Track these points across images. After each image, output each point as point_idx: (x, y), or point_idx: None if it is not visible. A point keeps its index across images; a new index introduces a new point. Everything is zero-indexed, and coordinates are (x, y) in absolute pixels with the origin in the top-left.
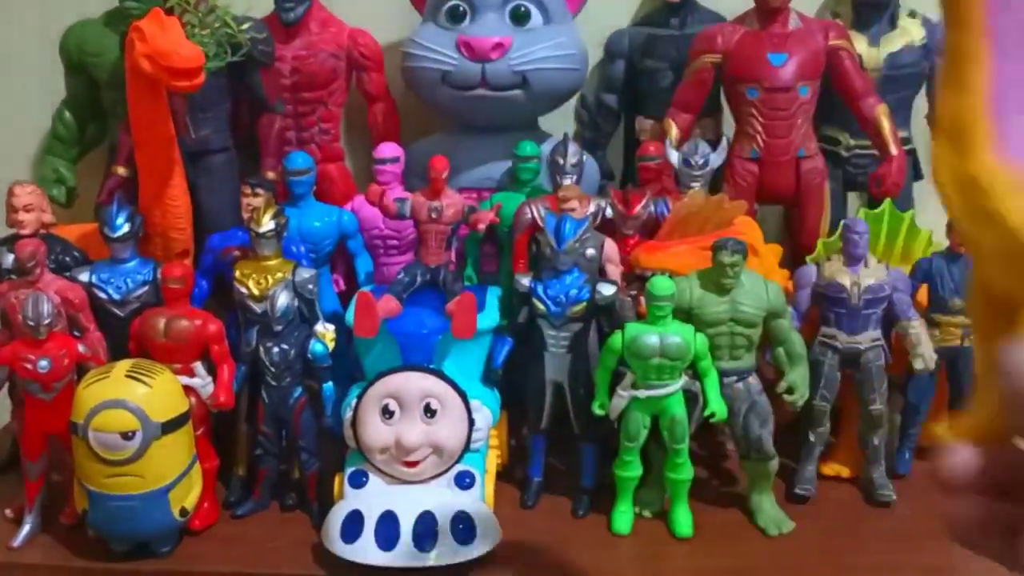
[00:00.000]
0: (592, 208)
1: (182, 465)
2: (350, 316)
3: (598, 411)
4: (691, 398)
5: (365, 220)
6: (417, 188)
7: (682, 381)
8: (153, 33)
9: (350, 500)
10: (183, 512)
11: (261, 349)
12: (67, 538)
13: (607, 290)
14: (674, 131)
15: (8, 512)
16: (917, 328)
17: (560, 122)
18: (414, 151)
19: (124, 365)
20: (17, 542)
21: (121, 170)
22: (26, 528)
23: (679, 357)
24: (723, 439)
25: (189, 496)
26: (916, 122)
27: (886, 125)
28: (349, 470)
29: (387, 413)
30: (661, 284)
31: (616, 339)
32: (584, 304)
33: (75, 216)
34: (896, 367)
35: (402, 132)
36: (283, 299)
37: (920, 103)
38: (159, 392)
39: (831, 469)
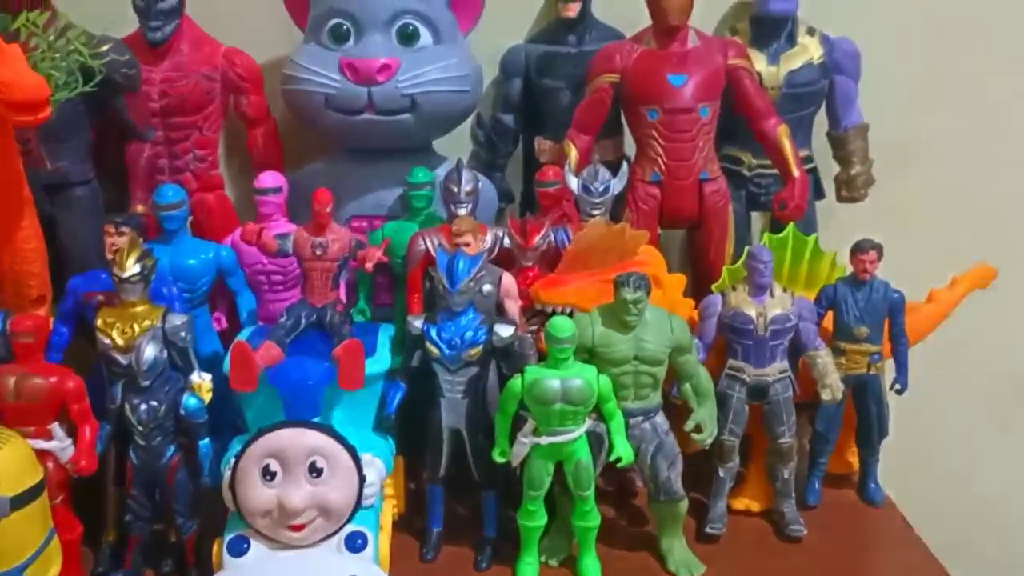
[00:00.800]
0: (489, 240)
1: (37, 541)
2: (227, 366)
3: (499, 458)
4: (596, 440)
5: (246, 255)
6: (305, 218)
7: (586, 425)
8: None
9: (229, 571)
10: None
11: (127, 406)
12: None
13: (505, 331)
14: (573, 153)
15: None
16: (824, 358)
17: (455, 142)
18: (300, 177)
19: None
20: None
21: None
22: None
23: (582, 402)
24: (632, 475)
25: (48, 574)
26: (816, 139)
27: (787, 146)
28: (228, 536)
29: (268, 474)
30: (561, 325)
31: (516, 384)
32: (480, 347)
33: None
34: (803, 394)
35: (286, 156)
36: (150, 351)
37: (820, 120)
38: (7, 463)
39: (741, 503)
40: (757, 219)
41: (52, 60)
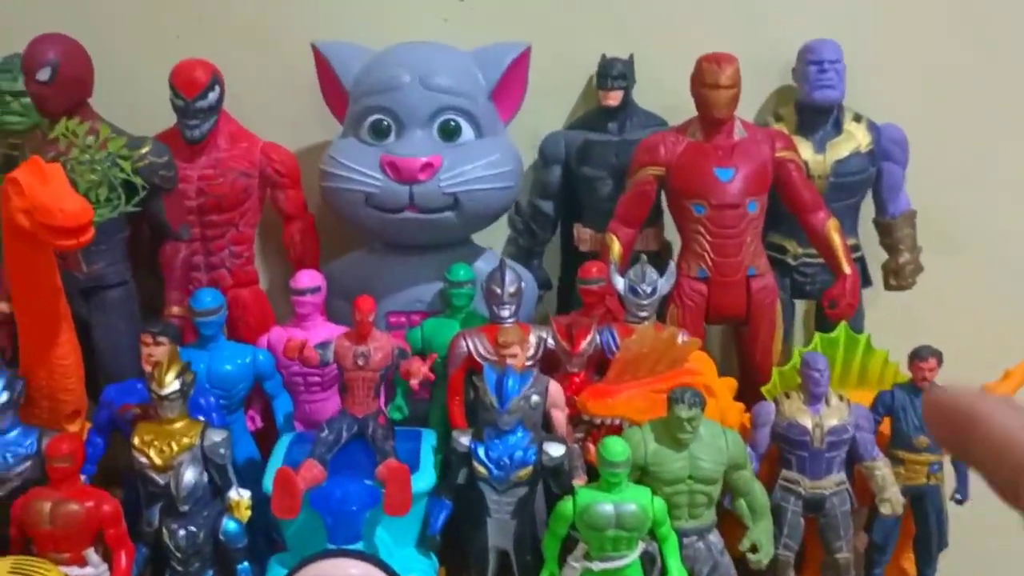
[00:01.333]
0: (532, 343)
1: None
2: (268, 484)
3: None
4: (648, 560)
5: (282, 357)
6: (337, 308)
7: (640, 549)
8: (32, 185)
9: None
10: None
11: (165, 531)
12: None
13: (555, 451)
14: (616, 247)
15: None
16: (883, 469)
17: (492, 230)
18: (335, 269)
19: (2, 567)
20: None
21: (4, 306)
22: None
23: (636, 528)
24: None
25: None
26: (862, 227)
27: (838, 242)
28: None
29: None
30: (615, 449)
31: (567, 506)
32: (530, 468)
33: None
34: (860, 500)
35: (321, 246)
36: (190, 475)
37: (866, 208)
38: None
39: None
40: (799, 305)
41: (92, 174)
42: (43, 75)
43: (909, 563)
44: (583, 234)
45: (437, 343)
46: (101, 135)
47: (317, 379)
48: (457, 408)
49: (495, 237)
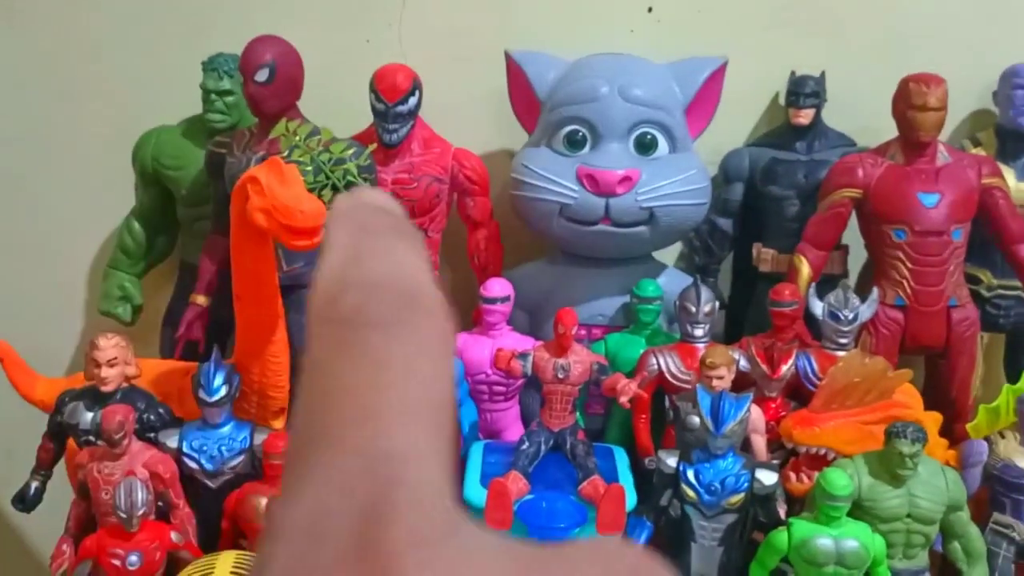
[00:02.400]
0: (734, 365)
1: None
2: (471, 494)
3: None
4: None
5: (469, 364)
6: (515, 318)
7: None
8: (272, 185)
9: None
10: None
11: None
12: None
13: (768, 479)
14: (806, 270)
15: None
16: None
17: (666, 247)
18: (515, 278)
19: (227, 561)
20: None
21: (201, 299)
22: None
23: (857, 566)
24: None
25: None
26: None
27: None
28: None
29: None
30: (838, 482)
31: (781, 539)
32: (743, 495)
33: (136, 332)
34: None
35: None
36: None
37: None
38: None
39: None
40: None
41: (314, 176)
42: (261, 76)
43: None
44: (764, 254)
45: (622, 358)
46: (323, 137)
47: (502, 389)
48: (644, 427)
49: (667, 255)
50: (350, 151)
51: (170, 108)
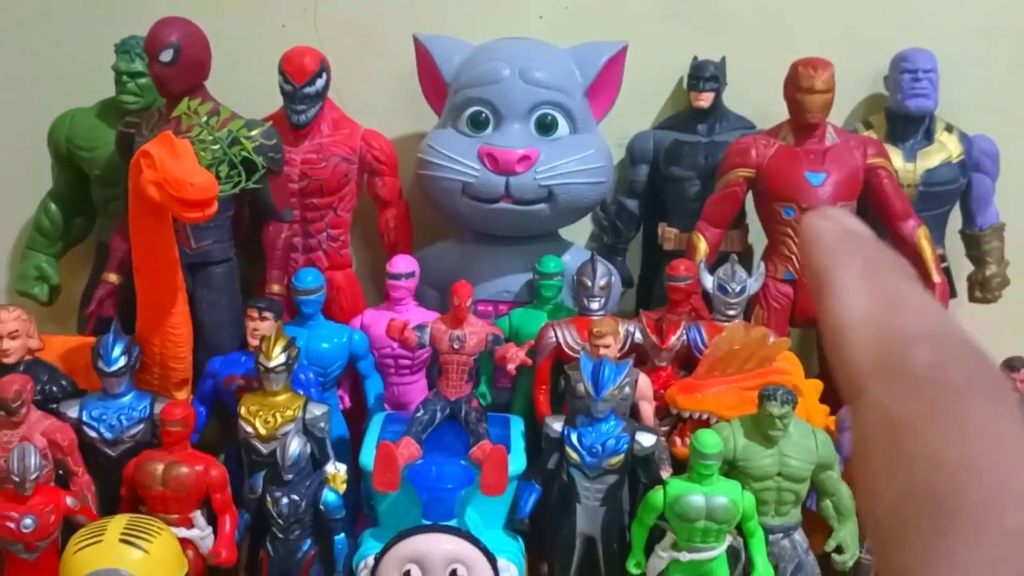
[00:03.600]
0: (620, 334)
1: None
2: (366, 459)
3: (634, 570)
4: (732, 555)
5: (376, 338)
6: (425, 295)
7: (728, 541)
8: (163, 159)
9: None
10: None
11: (268, 499)
12: None
13: (647, 440)
14: (703, 247)
15: None
16: None
17: (576, 228)
18: (425, 256)
19: (118, 525)
20: None
21: (113, 277)
22: None
23: (726, 520)
24: None
25: None
26: (948, 238)
27: (927, 250)
28: None
29: None
30: (708, 440)
31: (657, 497)
32: (622, 456)
33: (54, 313)
34: None
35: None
36: (295, 445)
37: (953, 220)
38: (157, 558)
39: None
40: None
41: (214, 153)
42: (165, 56)
43: None
44: (668, 233)
45: (525, 332)
46: (222, 115)
47: (407, 362)
48: (544, 397)
49: (578, 234)
50: (250, 131)
51: (84, 91)
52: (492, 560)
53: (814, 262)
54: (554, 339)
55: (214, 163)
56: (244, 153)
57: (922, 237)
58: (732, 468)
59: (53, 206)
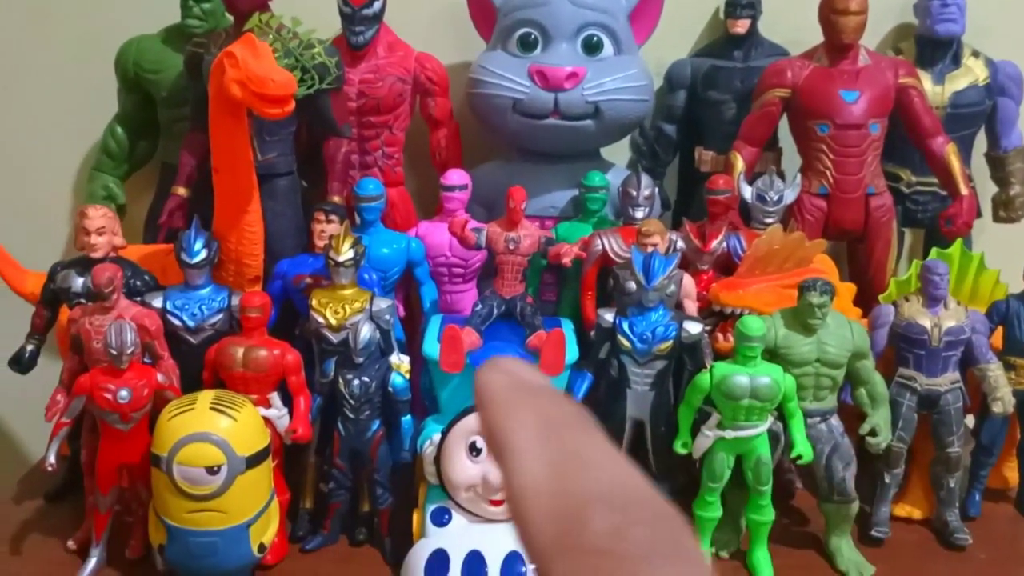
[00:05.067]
0: (667, 236)
1: (263, 500)
2: (429, 348)
3: (681, 450)
4: (772, 437)
5: (431, 247)
6: (474, 213)
7: (769, 422)
8: (246, 58)
9: (433, 539)
10: (261, 548)
11: (340, 381)
12: (134, 572)
13: (694, 328)
14: (740, 164)
15: (71, 543)
16: (996, 371)
17: (613, 151)
18: (475, 177)
19: (207, 396)
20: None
21: (182, 191)
22: (92, 562)
23: (769, 399)
24: (790, 477)
25: (267, 531)
26: (975, 158)
27: (956, 165)
28: (430, 507)
29: (474, 450)
30: (753, 324)
31: (704, 378)
32: (671, 342)
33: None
34: (970, 408)
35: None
36: (366, 331)
37: (979, 141)
38: (243, 425)
39: (902, 510)
40: (908, 235)
41: (288, 64)
42: None
43: (1011, 471)
44: (704, 156)
45: (570, 242)
46: (293, 25)
47: (460, 271)
48: (590, 303)
49: (617, 159)
50: (318, 39)
51: (149, 19)
52: None
53: (487, 421)
54: (600, 247)
55: (287, 69)
56: (318, 57)
57: (951, 153)
58: (773, 356)
59: (119, 129)
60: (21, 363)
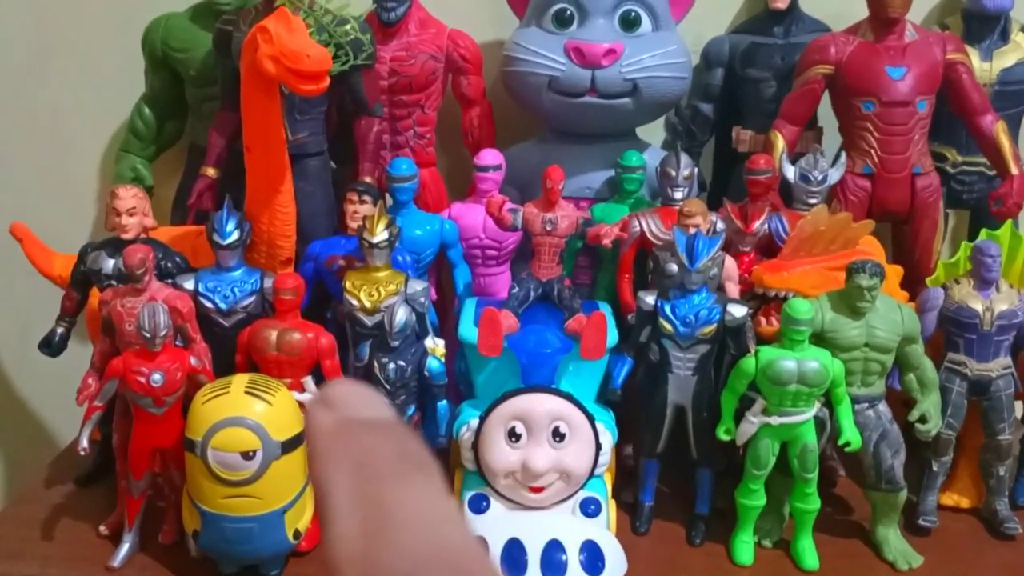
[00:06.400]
0: (709, 216)
1: (298, 486)
2: (465, 332)
3: (724, 436)
4: (818, 424)
5: (464, 229)
6: (507, 195)
7: (816, 408)
8: (280, 34)
9: (472, 526)
10: (296, 534)
11: (376, 365)
12: (167, 558)
13: (738, 311)
14: (781, 143)
15: (103, 528)
16: None
17: (650, 134)
18: (508, 157)
19: (242, 380)
20: (116, 562)
21: (211, 171)
22: (125, 547)
23: (817, 384)
24: (833, 464)
25: (303, 518)
26: (1023, 137)
27: (1006, 143)
28: (468, 494)
29: (513, 436)
30: (800, 307)
31: (750, 363)
32: (714, 326)
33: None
34: (1021, 394)
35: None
36: (401, 314)
37: None
38: (279, 409)
39: (950, 499)
40: (951, 218)
41: (320, 40)
42: None
43: None
44: (743, 136)
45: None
46: (325, 0)
47: (494, 253)
48: (627, 286)
49: (652, 140)
50: (351, 14)
51: None
52: (592, 422)
53: (311, 469)
54: (638, 228)
55: (322, 45)
56: (352, 32)
57: (1000, 131)
58: (820, 340)
59: (147, 109)
60: (51, 346)
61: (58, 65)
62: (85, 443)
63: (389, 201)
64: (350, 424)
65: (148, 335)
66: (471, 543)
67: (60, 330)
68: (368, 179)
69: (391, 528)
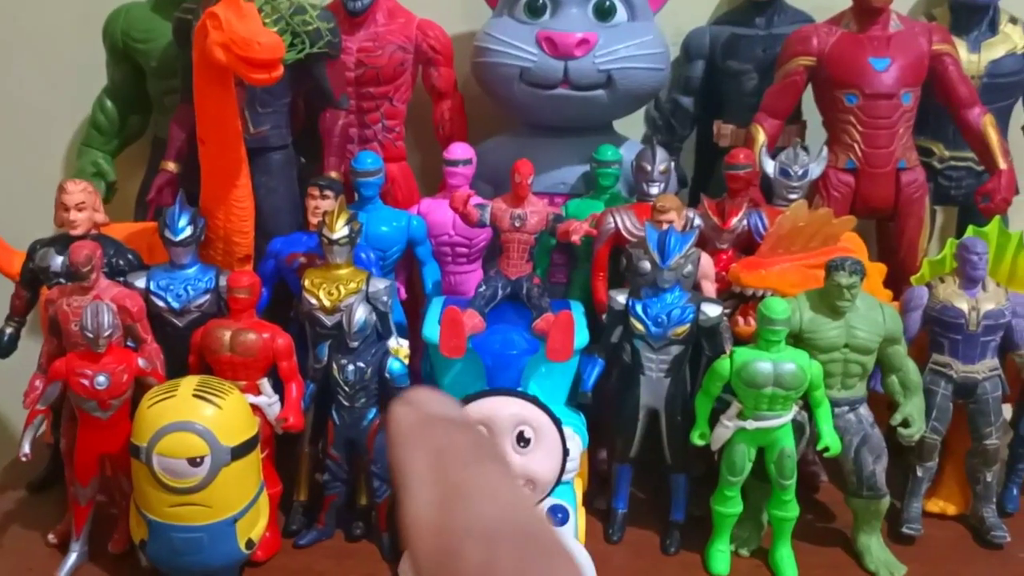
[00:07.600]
0: (683, 212)
1: (250, 493)
2: (429, 332)
3: (698, 441)
4: (797, 428)
5: (434, 226)
6: (480, 191)
7: (793, 412)
8: (230, 20)
9: None
10: (249, 544)
11: (334, 366)
12: (115, 569)
13: (712, 311)
14: (761, 137)
15: (51, 537)
16: None
17: (627, 125)
18: (480, 152)
19: (190, 383)
20: (62, 574)
21: (171, 166)
22: (72, 557)
23: (794, 387)
24: (815, 469)
25: (256, 527)
26: (1011, 131)
27: (994, 137)
28: None
29: None
30: (776, 306)
31: (724, 365)
32: (687, 326)
33: (112, 212)
34: (1008, 397)
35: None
36: (360, 313)
37: (1016, 112)
38: (229, 413)
39: (935, 506)
40: (939, 215)
41: (277, 24)
42: None
43: None
44: (724, 129)
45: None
46: None
47: (464, 251)
48: (602, 284)
49: (632, 134)
50: (311, 3)
51: None
52: (559, 426)
53: (391, 457)
54: (613, 225)
55: (278, 33)
56: (311, 22)
57: (988, 124)
58: (798, 341)
59: (108, 102)
60: (0, 347)
61: (17, 57)
62: (27, 448)
63: (356, 197)
64: (430, 418)
65: (91, 335)
66: (541, 518)
67: (9, 330)
68: (334, 174)
69: (466, 500)
